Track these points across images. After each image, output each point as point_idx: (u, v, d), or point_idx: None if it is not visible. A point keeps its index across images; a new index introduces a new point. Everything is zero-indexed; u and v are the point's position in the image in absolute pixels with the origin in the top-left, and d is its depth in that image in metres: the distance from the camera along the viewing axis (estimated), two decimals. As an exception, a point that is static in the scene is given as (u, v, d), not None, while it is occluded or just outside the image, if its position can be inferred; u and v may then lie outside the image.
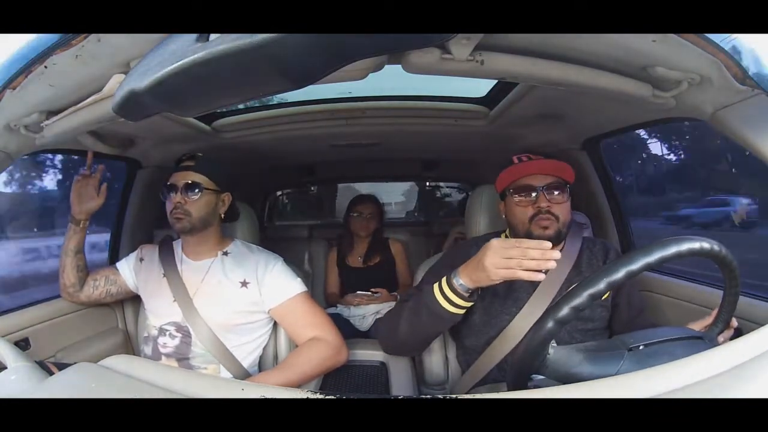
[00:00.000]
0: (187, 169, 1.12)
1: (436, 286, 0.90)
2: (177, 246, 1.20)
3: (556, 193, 0.99)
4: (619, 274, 0.55)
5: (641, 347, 0.60)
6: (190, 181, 1.10)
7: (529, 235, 0.99)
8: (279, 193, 3.02)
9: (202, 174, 1.12)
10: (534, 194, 0.98)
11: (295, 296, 1.10)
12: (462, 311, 0.89)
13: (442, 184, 3.14)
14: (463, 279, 0.85)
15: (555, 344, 0.60)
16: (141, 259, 1.21)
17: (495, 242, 0.80)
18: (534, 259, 0.76)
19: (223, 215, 1.17)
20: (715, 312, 0.77)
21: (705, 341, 0.67)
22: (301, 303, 1.11)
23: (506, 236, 1.10)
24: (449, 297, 0.87)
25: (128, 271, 1.22)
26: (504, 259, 0.78)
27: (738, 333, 0.77)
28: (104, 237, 1.53)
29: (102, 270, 1.24)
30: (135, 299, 1.35)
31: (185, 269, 1.14)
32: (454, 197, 3.16)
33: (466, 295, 0.86)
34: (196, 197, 1.10)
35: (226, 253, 1.15)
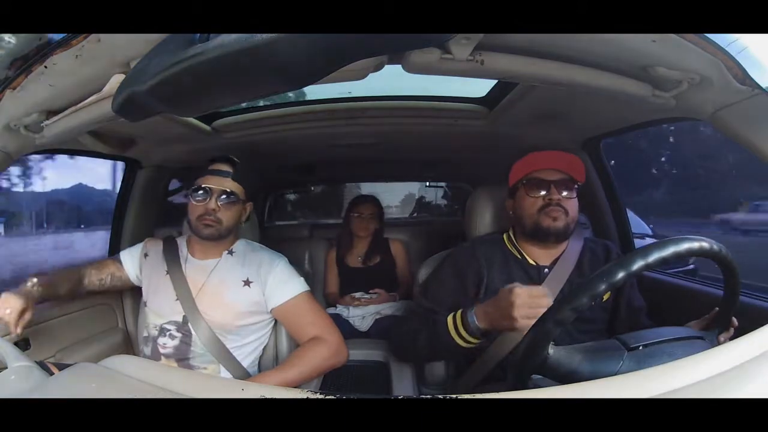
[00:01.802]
0: (226, 175, 1.09)
1: (450, 320, 0.91)
2: (182, 244, 1.19)
3: (565, 192, 1.01)
4: (619, 274, 0.55)
5: (641, 347, 0.60)
6: (229, 190, 1.08)
7: (537, 227, 1.01)
8: (279, 192, 3.02)
9: (238, 183, 1.10)
10: (545, 188, 1.01)
11: (298, 296, 1.10)
12: (476, 342, 0.91)
13: (442, 184, 3.15)
14: (480, 323, 0.87)
15: (554, 344, 0.60)
16: (146, 255, 1.20)
17: (521, 291, 0.79)
18: None
19: (242, 223, 1.17)
20: (715, 312, 0.77)
21: (706, 341, 0.67)
22: (304, 302, 1.11)
23: (509, 236, 1.10)
24: (462, 334, 0.89)
25: (131, 266, 1.21)
26: (534, 309, 0.77)
27: (738, 333, 0.77)
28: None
29: (107, 267, 1.21)
30: (135, 299, 1.35)
31: (189, 268, 1.14)
32: (455, 197, 3.16)
33: (479, 334, 0.88)
34: (230, 206, 1.08)
35: (230, 253, 1.15)
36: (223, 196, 1.08)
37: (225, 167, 1.10)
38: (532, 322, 0.74)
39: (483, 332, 0.88)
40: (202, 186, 1.08)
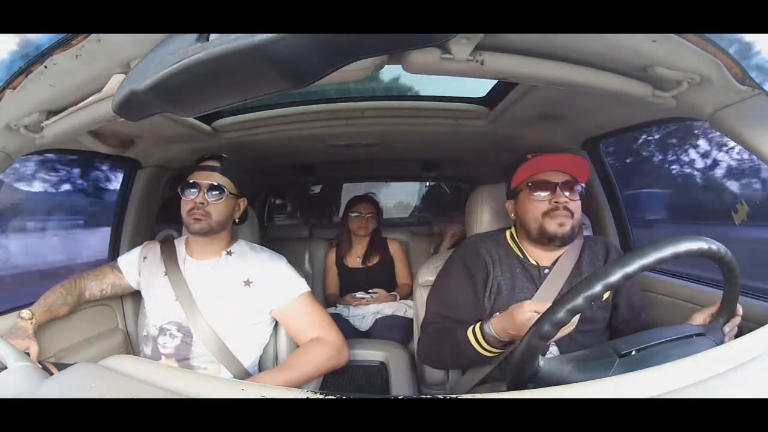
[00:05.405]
0: (213, 169, 1.10)
1: (470, 334, 0.92)
2: (180, 244, 1.19)
3: (569, 192, 1.00)
4: (617, 275, 0.54)
5: (633, 352, 0.59)
6: (215, 183, 1.09)
7: (543, 231, 1.01)
8: (279, 192, 3.01)
9: (226, 177, 1.11)
10: (550, 190, 1.00)
11: (299, 296, 1.10)
12: (500, 351, 0.91)
13: (442, 183, 3.14)
14: (500, 335, 0.87)
15: (544, 356, 0.59)
16: (144, 258, 1.20)
17: (534, 307, 0.80)
18: None
19: (237, 219, 1.17)
20: (718, 302, 0.76)
21: (707, 336, 0.66)
22: (305, 303, 1.11)
23: (512, 235, 1.10)
24: (485, 347, 0.90)
25: (130, 272, 1.21)
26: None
27: (737, 333, 0.77)
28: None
29: (107, 276, 1.22)
30: (135, 299, 1.35)
31: (188, 268, 1.14)
32: (455, 197, 3.16)
33: (500, 345, 0.89)
34: (218, 200, 1.09)
35: (230, 253, 1.15)
36: (211, 190, 1.09)
37: (212, 162, 1.12)
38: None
39: (504, 343, 0.88)
40: (190, 181, 1.10)
